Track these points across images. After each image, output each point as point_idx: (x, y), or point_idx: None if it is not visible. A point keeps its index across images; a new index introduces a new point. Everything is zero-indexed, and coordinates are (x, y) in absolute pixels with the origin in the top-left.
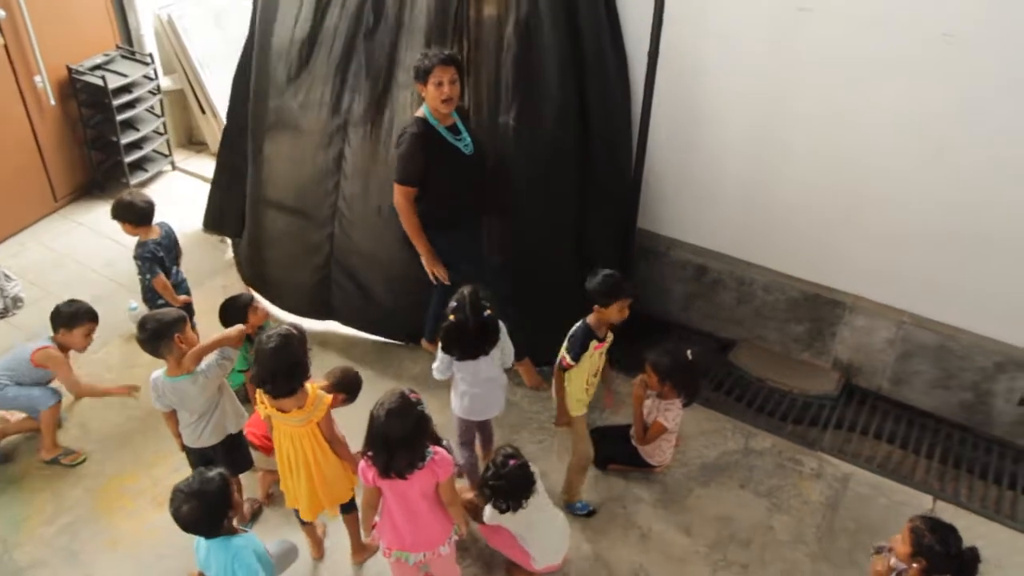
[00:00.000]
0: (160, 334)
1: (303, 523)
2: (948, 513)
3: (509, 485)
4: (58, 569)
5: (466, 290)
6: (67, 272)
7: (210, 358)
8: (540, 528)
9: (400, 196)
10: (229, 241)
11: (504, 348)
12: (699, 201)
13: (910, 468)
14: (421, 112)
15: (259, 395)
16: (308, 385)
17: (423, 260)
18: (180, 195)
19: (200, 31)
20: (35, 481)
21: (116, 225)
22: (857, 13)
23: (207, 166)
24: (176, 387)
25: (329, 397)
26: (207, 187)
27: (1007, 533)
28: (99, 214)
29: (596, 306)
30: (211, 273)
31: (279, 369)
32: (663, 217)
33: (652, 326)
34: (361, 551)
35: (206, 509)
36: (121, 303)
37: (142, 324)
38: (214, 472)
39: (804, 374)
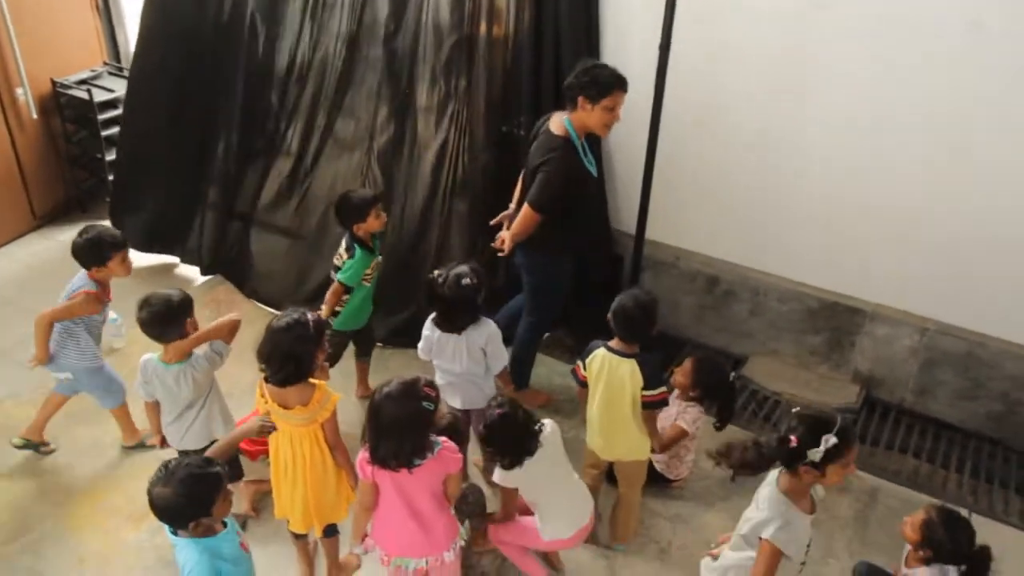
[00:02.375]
0: (170, 315)
1: (295, 536)
2: (986, 528)
3: (498, 436)
4: None
5: (467, 263)
6: (44, 291)
7: (200, 350)
8: (552, 492)
9: (531, 222)
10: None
11: (492, 349)
12: (709, 209)
13: (940, 482)
14: (563, 129)
15: (259, 388)
16: (316, 382)
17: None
18: None
19: None
20: None
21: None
22: (874, 12)
23: None
24: (169, 375)
25: (337, 396)
26: None
27: None
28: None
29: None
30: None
31: (275, 351)
32: (671, 227)
33: (662, 341)
34: (338, 571)
35: (182, 501)
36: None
37: (145, 301)
38: (215, 468)
39: (822, 387)
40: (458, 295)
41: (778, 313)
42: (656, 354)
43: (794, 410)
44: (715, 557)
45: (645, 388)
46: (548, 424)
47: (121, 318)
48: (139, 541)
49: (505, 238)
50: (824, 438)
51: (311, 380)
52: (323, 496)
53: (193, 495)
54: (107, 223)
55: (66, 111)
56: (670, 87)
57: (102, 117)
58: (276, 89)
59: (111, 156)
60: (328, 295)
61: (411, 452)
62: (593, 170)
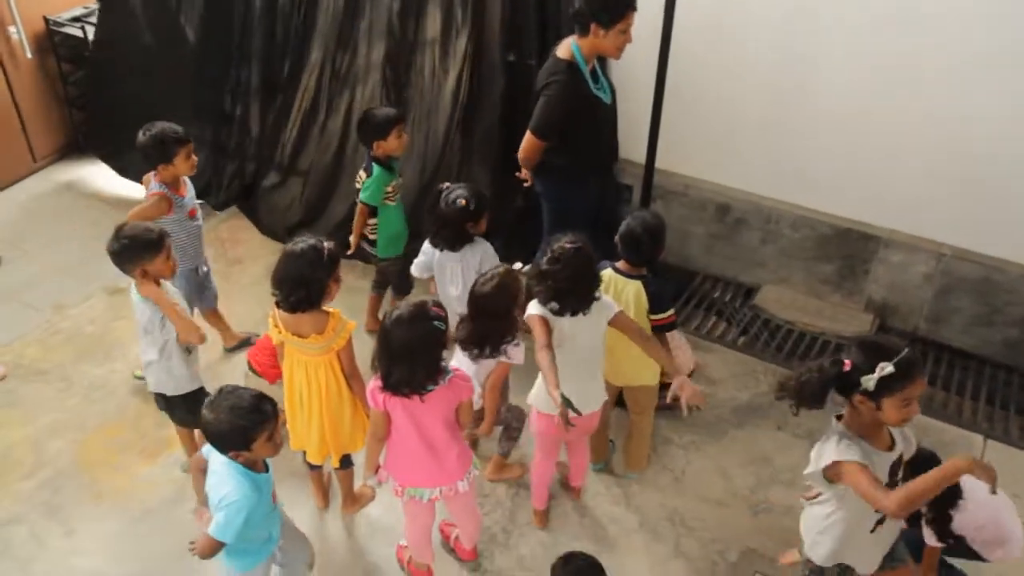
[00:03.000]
0: (129, 253)
1: (310, 467)
2: (1000, 453)
3: (566, 272)
4: (37, 524)
5: (470, 187)
6: (47, 233)
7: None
8: (572, 358)
9: (530, 147)
10: None
11: (487, 268)
12: (719, 136)
13: (955, 409)
14: (568, 53)
15: (273, 316)
16: (330, 310)
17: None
18: None
19: None
20: (12, 431)
21: (102, 185)
22: None
23: None
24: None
25: (352, 324)
26: None
27: None
28: (83, 175)
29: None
30: None
31: (287, 276)
32: (681, 155)
33: (672, 271)
34: (353, 502)
35: (224, 428)
36: (104, 259)
37: (117, 232)
38: (265, 406)
39: (835, 316)
40: (448, 213)
41: (790, 241)
42: (666, 279)
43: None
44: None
45: (651, 311)
46: (606, 298)
47: None
48: (153, 475)
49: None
50: (880, 365)
51: (325, 309)
52: (339, 426)
53: (235, 426)
54: (167, 125)
55: (61, 50)
56: (680, 11)
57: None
58: (280, 23)
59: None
60: (357, 219)
61: (424, 376)
62: (604, 96)
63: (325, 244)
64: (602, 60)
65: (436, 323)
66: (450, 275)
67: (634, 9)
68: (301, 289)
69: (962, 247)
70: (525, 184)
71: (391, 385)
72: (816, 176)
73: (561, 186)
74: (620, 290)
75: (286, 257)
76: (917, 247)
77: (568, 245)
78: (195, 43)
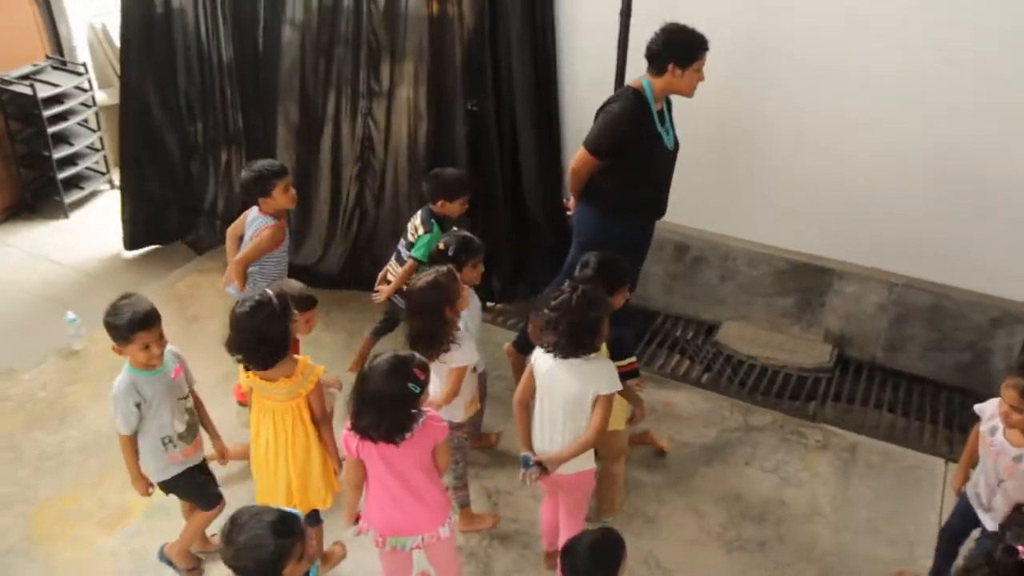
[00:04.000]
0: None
1: None
2: None
3: (569, 317)
4: None
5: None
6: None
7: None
8: (545, 407)
9: (581, 162)
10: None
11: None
12: (675, 177)
13: (916, 434)
14: (639, 85)
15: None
16: (297, 357)
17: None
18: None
19: None
20: None
21: (52, 244)
22: None
23: None
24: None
25: (321, 368)
26: None
27: None
28: (32, 235)
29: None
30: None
31: (243, 340)
32: None
33: (633, 313)
34: (323, 563)
35: (253, 565)
36: (57, 321)
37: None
38: (289, 524)
39: (795, 349)
40: (432, 256)
41: (748, 277)
42: (626, 326)
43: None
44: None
45: (612, 357)
46: (606, 368)
47: (80, 318)
48: (113, 547)
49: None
50: None
51: (293, 356)
52: (307, 479)
53: (260, 563)
54: (265, 161)
55: (8, 108)
56: (633, 53)
57: (47, 113)
58: (226, 78)
59: (59, 153)
60: (401, 272)
61: (389, 429)
62: (667, 139)
63: (271, 293)
64: (669, 108)
65: (411, 384)
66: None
67: (707, 49)
68: (263, 346)
69: (912, 276)
70: (567, 214)
71: (359, 428)
72: (770, 213)
73: (602, 216)
74: None
75: (238, 321)
76: (869, 277)
77: (579, 282)
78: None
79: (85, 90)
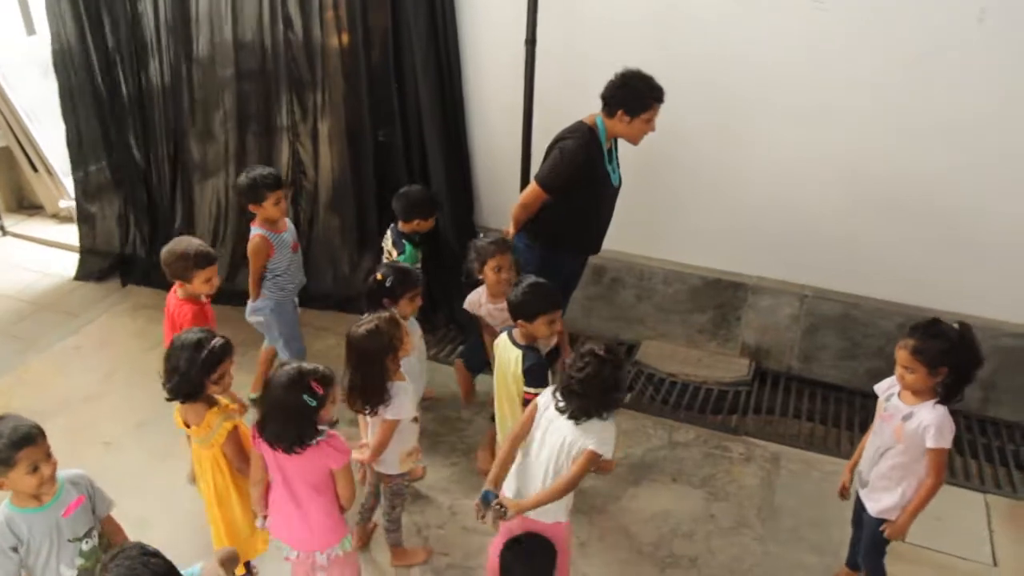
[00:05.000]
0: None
1: None
2: None
3: (587, 376)
4: None
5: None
6: None
7: None
8: (533, 452)
9: (532, 197)
10: None
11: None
12: None
13: (835, 441)
14: (592, 121)
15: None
16: (212, 406)
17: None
18: (15, 262)
19: (25, 81)
20: None
21: None
22: None
23: (44, 229)
24: None
25: (231, 424)
26: (45, 251)
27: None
28: None
29: (521, 321)
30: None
31: (167, 362)
32: None
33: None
34: None
35: None
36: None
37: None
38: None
39: (714, 364)
40: (365, 289)
41: (664, 295)
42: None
43: None
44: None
45: (525, 384)
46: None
47: None
48: None
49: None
50: None
51: (214, 402)
52: (232, 527)
53: None
54: (262, 169)
55: None
56: (541, 73)
57: None
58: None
59: None
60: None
61: (281, 437)
62: (613, 177)
63: (214, 341)
64: (616, 146)
65: (307, 397)
66: None
67: (661, 101)
68: (175, 377)
69: (822, 287)
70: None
71: (263, 435)
72: (683, 233)
73: (542, 248)
74: (504, 352)
75: (171, 343)
76: (782, 290)
77: (601, 353)
78: None
79: None
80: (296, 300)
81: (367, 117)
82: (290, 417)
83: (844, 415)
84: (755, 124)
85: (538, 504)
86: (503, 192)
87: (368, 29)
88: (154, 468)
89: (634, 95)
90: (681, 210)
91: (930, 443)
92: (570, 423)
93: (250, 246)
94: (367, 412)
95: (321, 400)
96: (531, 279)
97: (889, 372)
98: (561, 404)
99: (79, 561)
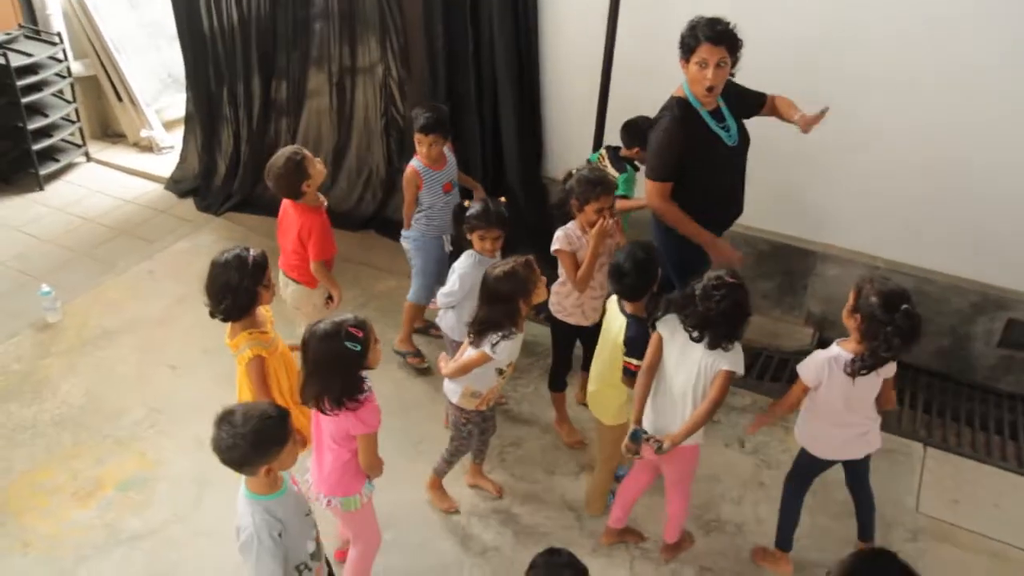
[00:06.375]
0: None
1: None
2: (940, 459)
3: (726, 305)
4: None
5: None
6: None
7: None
8: (677, 382)
9: (656, 196)
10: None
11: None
12: None
13: (895, 418)
14: (681, 91)
15: None
16: (249, 329)
17: (711, 253)
18: (97, 187)
19: (114, 13)
20: None
21: (26, 217)
22: None
23: (125, 157)
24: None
25: (251, 353)
26: (126, 179)
27: (1000, 475)
28: (6, 208)
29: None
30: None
31: (214, 286)
32: None
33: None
34: None
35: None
36: (31, 295)
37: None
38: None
39: (777, 331)
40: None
41: None
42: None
43: None
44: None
45: (626, 353)
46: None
47: (54, 291)
48: (87, 520)
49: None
50: None
51: (251, 324)
52: None
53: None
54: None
55: None
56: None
57: (20, 83)
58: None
59: (34, 125)
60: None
61: (336, 394)
62: (727, 137)
63: (251, 252)
64: (732, 99)
65: (348, 344)
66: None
67: (707, 41)
68: (227, 297)
69: (893, 259)
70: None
71: (303, 398)
72: (751, 195)
73: (676, 244)
74: (611, 320)
75: (212, 267)
76: (851, 260)
77: (730, 279)
78: None
79: (60, 60)
80: (446, 239)
81: (440, 63)
82: (335, 369)
83: (908, 392)
84: (834, 92)
85: (688, 433)
86: (573, 148)
87: None
88: (215, 392)
89: (684, 35)
90: (751, 173)
91: None
92: (703, 349)
93: (404, 176)
94: (471, 341)
95: (364, 343)
96: None
97: (958, 352)
98: (695, 334)
99: (313, 532)
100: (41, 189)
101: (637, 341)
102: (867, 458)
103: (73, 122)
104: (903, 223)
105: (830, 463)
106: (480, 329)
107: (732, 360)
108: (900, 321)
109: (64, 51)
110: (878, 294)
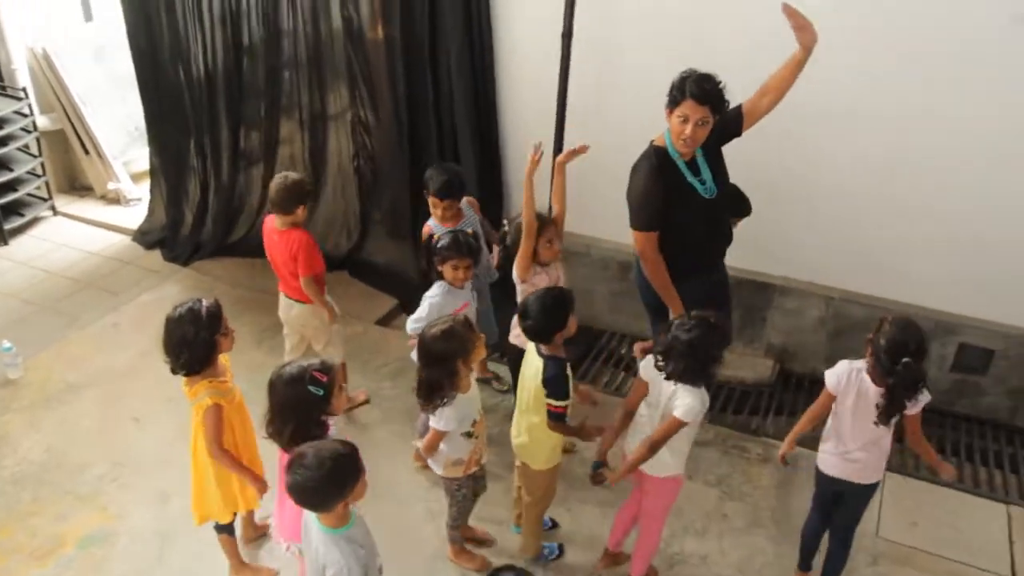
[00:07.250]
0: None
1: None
2: (898, 482)
3: (690, 341)
4: None
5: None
6: None
7: None
8: (646, 415)
9: (644, 244)
10: None
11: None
12: (617, 196)
13: None
14: (662, 139)
15: None
16: (204, 379)
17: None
18: (63, 241)
19: (80, 66)
20: None
21: None
22: None
23: (92, 210)
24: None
25: (210, 401)
26: (92, 232)
27: (957, 496)
28: None
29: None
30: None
31: (166, 343)
32: (581, 216)
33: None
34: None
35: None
36: None
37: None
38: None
39: (739, 364)
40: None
41: None
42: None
43: None
44: None
45: (547, 395)
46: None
47: (15, 347)
48: None
49: None
50: None
51: (212, 373)
52: (201, 485)
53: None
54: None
55: None
56: (575, 70)
57: None
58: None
59: (3, 177)
60: None
61: (292, 435)
62: (703, 189)
63: (203, 303)
64: (710, 153)
65: (312, 388)
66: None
67: (694, 99)
68: (184, 351)
69: (849, 289)
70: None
71: (268, 433)
72: None
73: (682, 282)
74: (528, 364)
75: (167, 323)
76: (808, 292)
77: (707, 318)
78: None
79: (25, 115)
80: (473, 295)
81: (403, 109)
82: (298, 412)
83: None
84: (783, 125)
85: (629, 470)
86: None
87: (405, 21)
88: (178, 444)
89: (673, 85)
90: None
91: None
92: (672, 385)
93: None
94: (422, 407)
95: (327, 388)
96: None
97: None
98: (659, 362)
99: (377, 548)
100: (6, 243)
101: (557, 381)
102: (860, 502)
103: (39, 176)
104: (857, 254)
105: (833, 481)
106: (426, 394)
107: (687, 408)
108: (902, 373)
109: (30, 105)
110: (888, 340)
